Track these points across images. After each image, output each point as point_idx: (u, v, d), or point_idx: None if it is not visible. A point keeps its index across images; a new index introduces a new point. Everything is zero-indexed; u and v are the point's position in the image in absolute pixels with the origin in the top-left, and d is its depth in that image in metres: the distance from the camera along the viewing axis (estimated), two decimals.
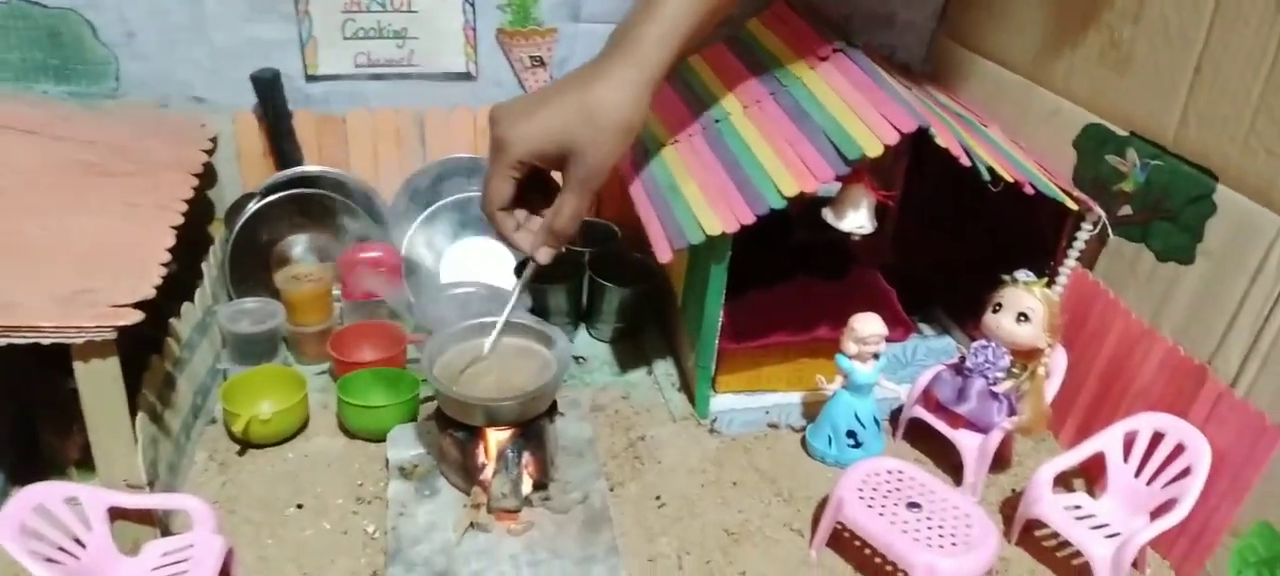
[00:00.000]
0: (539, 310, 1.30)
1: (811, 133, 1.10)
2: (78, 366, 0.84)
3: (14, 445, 1.02)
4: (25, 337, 0.81)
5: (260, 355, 1.20)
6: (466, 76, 1.38)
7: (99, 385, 0.85)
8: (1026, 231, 1.25)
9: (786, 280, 1.27)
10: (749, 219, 1.05)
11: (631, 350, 1.37)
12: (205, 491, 1.05)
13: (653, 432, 1.20)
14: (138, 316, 0.84)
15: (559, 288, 1.33)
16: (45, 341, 0.81)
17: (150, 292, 0.89)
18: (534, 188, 1.01)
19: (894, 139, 1.03)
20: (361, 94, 1.36)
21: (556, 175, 1.00)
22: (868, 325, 1.09)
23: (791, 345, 1.22)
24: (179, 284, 1.22)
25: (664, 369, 1.33)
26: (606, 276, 1.35)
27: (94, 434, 0.88)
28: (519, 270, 1.30)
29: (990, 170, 1.09)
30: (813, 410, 1.24)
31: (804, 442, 1.19)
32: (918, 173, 1.47)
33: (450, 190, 1.39)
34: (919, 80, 1.41)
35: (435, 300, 1.32)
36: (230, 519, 1.02)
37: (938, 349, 1.40)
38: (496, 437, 0.99)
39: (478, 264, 1.39)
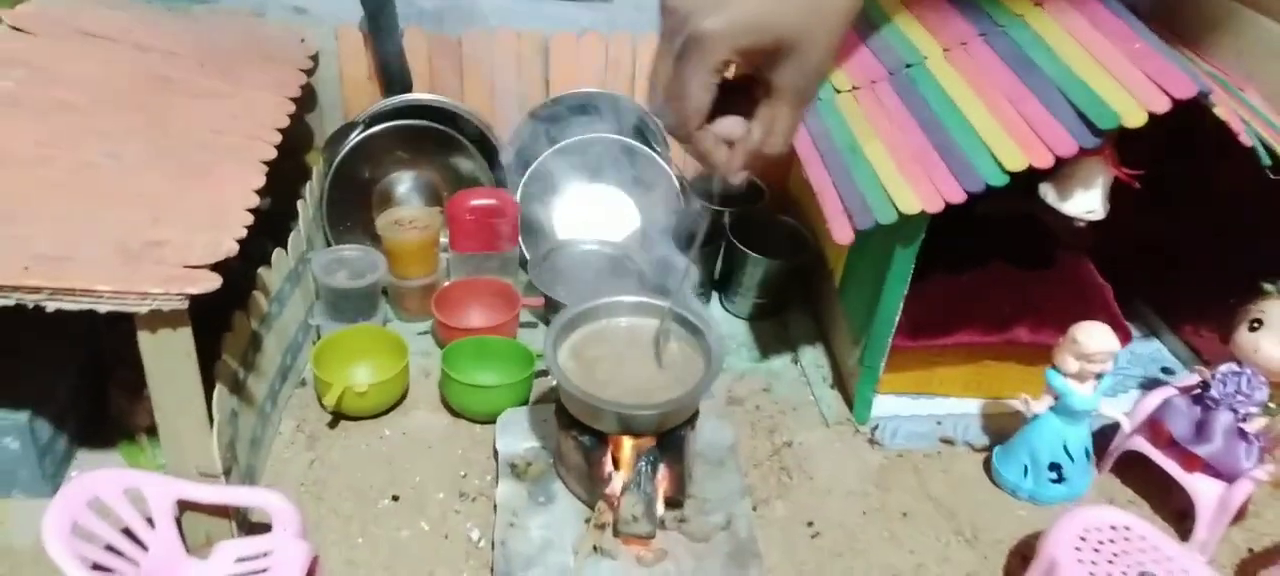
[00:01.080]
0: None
1: (1042, 89, 0.86)
2: (143, 337, 0.70)
3: (79, 404, 0.90)
4: (79, 303, 0.66)
5: (357, 312, 1.05)
6: None
7: (168, 360, 0.71)
8: (1272, 216, 0.99)
9: (974, 264, 1.05)
10: (958, 196, 0.83)
11: (774, 331, 1.18)
12: (291, 470, 0.92)
13: (801, 438, 1.01)
14: (215, 282, 0.69)
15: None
16: (102, 308, 0.66)
17: (233, 249, 0.74)
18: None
19: (1164, 106, 0.79)
20: (480, 12, 1.17)
21: None
22: (1097, 339, 0.87)
23: (978, 346, 1.01)
24: (269, 221, 1.08)
25: (812, 357, 1.13)
26: (749, 243, 1.15)
27: (161, 414, 0.74)
28: (684, 242, 1.09)
29: (1271, 153, 0.84)
30: (995, 424, 1.03)
31: (989, 466, 0.98)
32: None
33: (574, 129, 1.20)
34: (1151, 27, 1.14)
35: (552, 258, 1.15)
36: (316, 507, 0.88)
37: (1144, 356, 1.16)
38: (629, 446, 0.82)
39: (601, 215, 1.21)
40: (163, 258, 0.70)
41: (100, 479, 0.71)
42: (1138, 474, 0.98)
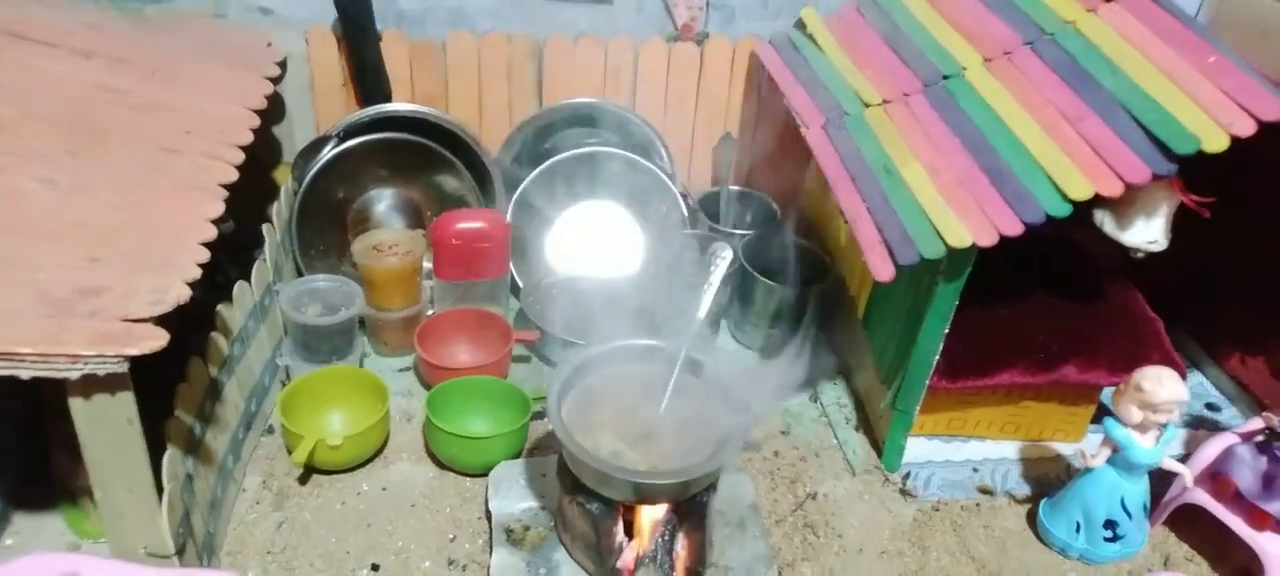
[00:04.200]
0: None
1: (1103, 107, 0.77)
2: (75, 405, 0.59)
3: (17, 463, 0.79)
4: None
5: (331, 350, 0.94)
6: None
7: (106, 430, 0.60)
8: None
9: (1015, 295, 0.96)
10: (1014, 228, 0.74)
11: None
12: (256, 536, 0.81)
13: (826, 489, 0.92)
14: (160, 340, 0.58)
15: None
16: (24, 374, 0.55)
17: (183, 295, 0.63)
18: None
19: (1249, 129, 0.70)
20: (466, 13, 1.07)
21: None
22: (1165, 388, 0.78)
23: (1024, 387, 0.92)
24: (233, 245, 0.97)
25: (833, 395, 1.04)
26: (761, 268, 1.05)
27: (101, 491, 0.63)
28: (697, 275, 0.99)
29: None
30: (1036, 469, 0.95)
31: (1033, 519, 0.89)
32: None
33: (570, 143, 1.10)
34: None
35: (548, 287, 1.05)
36: None
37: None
38: (645, 517, 0.72)
39: (600, 239, 1.11)
40: (98, 308, 0.59)
41: (29, 566, 0.60)
42: (1195, 527, 0.89)
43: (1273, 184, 0.83)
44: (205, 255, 0.69)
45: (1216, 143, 0.70)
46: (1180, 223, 0.92)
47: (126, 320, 0.59)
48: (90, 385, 0.58)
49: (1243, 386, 1.07)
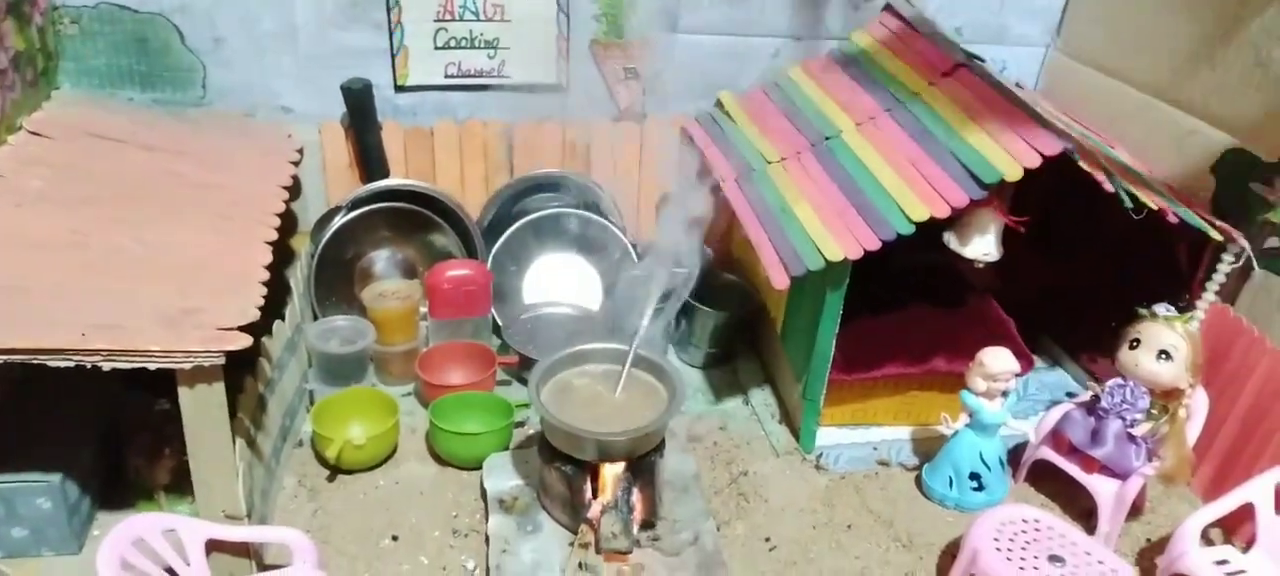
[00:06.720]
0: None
1: (938, 154, 1.03)
2: (183, 392, 0.80)
3: (100, 468, 0.98)
4: (132, 361, 0.76)
5: (349, 375, 1.15)
6: (556, 88, 1.33)
7: (204, 411, 0.81)
8: (1152, 258, 1.16)
9: (896, 307, 1.20)
10: (874, 244, 0.98)
11: (725, 377, 1.31)
12: (297, 519, 1.00)
13: (755, 467, 1.14)
14: (246, 340, 0.80)
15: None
16: (153, 366, 0.76)
17: (255, 314, 0.85)
18: None
19: (1036, 162, 0.96)
20: (449, 105, 1.31)
21: None
22: (999, 361, 1.02)
23: (903, 377, 1.15)
24: (266, 299, 1.18)
25: (761, 398, 1.26)
26: (699, 298, 1.29)
27: (195, 461, 0.83)
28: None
29: (1131, 196, 1.01)
30: (923, 446, 1.17)
31: (919, 482, 1.12)
32: (1020, 188, 1.40)
33: (537, 204, 1.34)
34: (1033, 97, 1.33)
35: (524, 320, 1.27)
36: (323, 550, 0.96)
37: (1051, 383, 1.32)
38: (607, 473, 0.93)
39: (564, 279, 1.34)
40: (200, 322, 0.81)
41: (142, 521, 0.80)
42: (1048, 483, 1.12)
43: (1109, 226, 1.08)
44: (264, 289, 0.91)
45: (1013, 173, 0.95)
46: (1044, 253, 1.19)
47: (220, 327, 0.80)
48: (196, 376, 0.79)
49: (1093, 375, 1.31)
